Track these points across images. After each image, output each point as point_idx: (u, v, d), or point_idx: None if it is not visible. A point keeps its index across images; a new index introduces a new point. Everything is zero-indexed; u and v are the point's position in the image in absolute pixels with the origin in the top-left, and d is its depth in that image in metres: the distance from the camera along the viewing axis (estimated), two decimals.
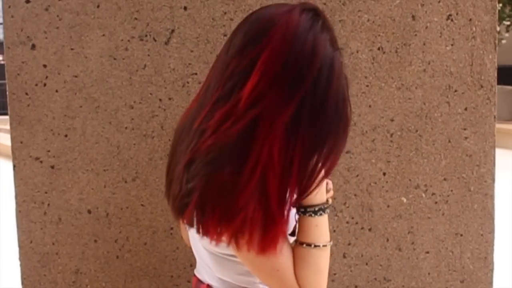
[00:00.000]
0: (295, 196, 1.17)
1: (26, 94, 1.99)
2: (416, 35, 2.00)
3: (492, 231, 2.08)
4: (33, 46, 1.98)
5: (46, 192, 2.03)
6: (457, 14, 2.00)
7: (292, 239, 1.29)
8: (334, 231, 2.05)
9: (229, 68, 1.13)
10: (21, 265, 2.07)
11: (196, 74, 1.98)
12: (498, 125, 2.37)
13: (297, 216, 1.26)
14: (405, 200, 2.05)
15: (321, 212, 1.23)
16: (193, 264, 2.02)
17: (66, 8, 1.97)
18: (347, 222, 2.05)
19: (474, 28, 2.01)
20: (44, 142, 2.01)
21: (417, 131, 2.03)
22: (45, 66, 1.99)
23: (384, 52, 2.00)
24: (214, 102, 1.14)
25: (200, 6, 1.97)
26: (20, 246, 2.06)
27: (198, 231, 1.16)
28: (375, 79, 2.01)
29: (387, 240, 2.06)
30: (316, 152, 1.13)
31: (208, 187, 1.12)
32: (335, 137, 1.14)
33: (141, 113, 2.00)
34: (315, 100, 1.10)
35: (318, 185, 1.18)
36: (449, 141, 2.04)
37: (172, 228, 2.04)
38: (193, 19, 1.97)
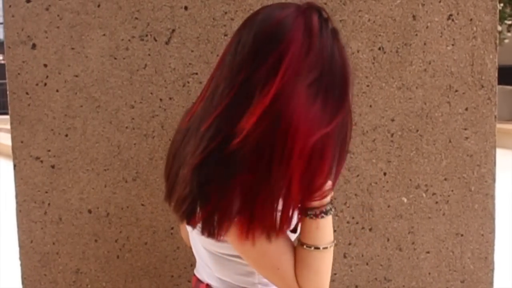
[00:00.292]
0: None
1: (27, 93, 1.99)
2: (416, 35, 2.00)
3: (492, 231, 2.08)
4: (34, 46, 1.98)
5: (46, 192, 2.03)
6: (457, 14, 2.00)
7: (293, 236, 1.29)
8: (335, 231, 2.05)
9: (243, 72, 1.12)
10: (21, 264, 2.07)
11: (196, 74, 1.98)
12: (499, 125, 2.37)
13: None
14: (405, 200, 2.05)
15: (323, 214, 1.23)
16: (193, 264, 2.02)
17: (67, 7, 1.97)
18: (348, 222, 2.05)
19: (475, 28, 2.00)
20: (45, 142, 2.01)
21: (417, 131, 2.03)
22: (45, 65, 1.99)
23: (384, 52, 2.00)
24: (227, 105, 1.13)
25: (200, 6, 1.97)
26: (20, 246, 2.05)
27: (209, 234, 1.16)
28: (376, 79, 2.00)
29: (388, 240, 2.06)
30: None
31: (232, 189, 1.12)
32: (349, 133, 1.18)
33: (142, 113, 1.99)
34: (334, 99, 1.13)
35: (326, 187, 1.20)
36: (450, 141, 2.03)
37: (172, 228, 2.04)
38: (194, 19, 1.97)
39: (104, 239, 2.05)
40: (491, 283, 2.10)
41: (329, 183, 1.19)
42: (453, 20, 2.00)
